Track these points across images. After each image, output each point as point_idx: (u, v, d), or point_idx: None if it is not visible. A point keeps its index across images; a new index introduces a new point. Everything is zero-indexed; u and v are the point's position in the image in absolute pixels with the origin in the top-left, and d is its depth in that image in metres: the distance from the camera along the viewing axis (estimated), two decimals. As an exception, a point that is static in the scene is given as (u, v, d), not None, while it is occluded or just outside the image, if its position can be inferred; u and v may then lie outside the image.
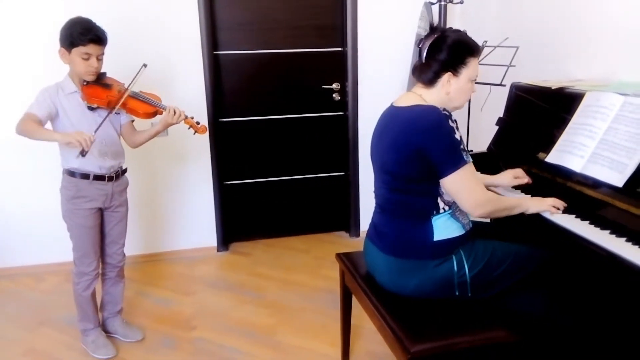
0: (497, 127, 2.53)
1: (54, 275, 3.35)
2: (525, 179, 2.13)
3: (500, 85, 2.71)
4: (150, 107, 2.40)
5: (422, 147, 1.72)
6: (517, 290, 1.88)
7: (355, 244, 3.79)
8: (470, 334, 1.69)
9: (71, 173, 2.36)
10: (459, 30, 1.88)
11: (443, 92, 1.84)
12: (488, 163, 2.36)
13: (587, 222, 1.80)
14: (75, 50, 2.22)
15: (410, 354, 1.62)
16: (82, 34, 2.20)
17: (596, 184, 1.86)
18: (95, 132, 2.20)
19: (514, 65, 2.73)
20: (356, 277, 2.08)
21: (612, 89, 2.01)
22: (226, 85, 3.55)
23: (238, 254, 3.71)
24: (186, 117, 2.43)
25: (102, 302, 2.66)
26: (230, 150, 3.65)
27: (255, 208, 3.82)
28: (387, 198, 1.90)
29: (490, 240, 1.92)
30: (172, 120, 2.39)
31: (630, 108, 1.85)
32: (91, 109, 2.31)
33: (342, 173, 3.88)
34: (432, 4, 3.32)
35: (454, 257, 1.81)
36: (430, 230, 1.80)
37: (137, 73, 2.32)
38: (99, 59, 2.28)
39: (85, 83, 2.29)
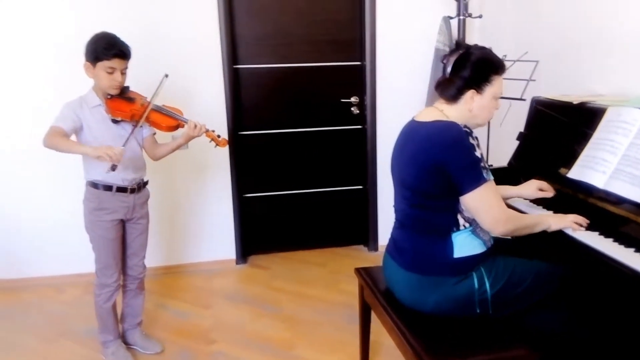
0: (517, 142, 2.52)
1: (74, 286, 3.39)
2: (550, 193, 2.11)
3: (521, 99, 2.70)
4: (172, 120, 2.44)
5: (441, 163, 1.71)
6: (538, 307, 1.86)
7: (373, 258, 3.77)
8: (491, 352, 1.67)
9: (94, 185, 2.40)
10: (484, 48, 1.87)
11: (466, 109, 1.83)
12: (508, 178, 2.34)
13: (611, 239, 1.77)
14: (99, 64, 2.27)
15: (430, 371, 1.61)
16: (107, 49, 2.25)
17: (619, 200, 1.83)
18: (124, 145, 2.24)
19: (534, 80, 2.72)
20: (375, 293, 2.07)
21: (633, 104, 1.99)
22: (245, 99, 3.58)
23: (256, 267, 3.71)
24: (207, 130, 2.47)
25: (122, 314, 2.68)
26: (249, 163, 3.68)
27: (273, 221, 3.84)
28: (406, 213, 1.90)
29: (511, 257, 1.90)
30: (193, 133, 2.42)
31: (653, 124, 1.83)
32: (115, 122, 2.35)
33: (361, 187, 3.88)
34: (451, 18, 3.32)
35: (474, 274, 1.80)
36: (450, 247, 1.79)
37: (159, 84, 2.38)
38: (123, 73, 2.32)
39: (109, 96, 2.34)
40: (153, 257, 3.38)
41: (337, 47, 3.61)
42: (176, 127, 2.46)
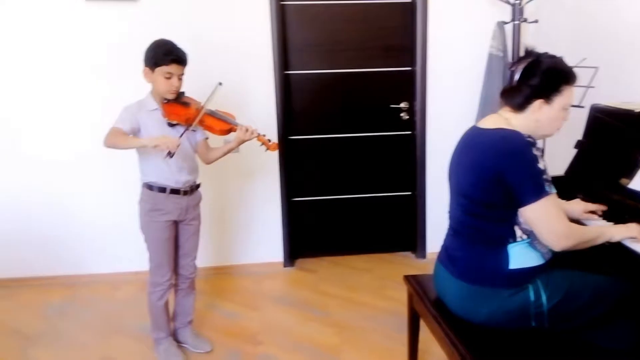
0: (574, 150, 2.44)
1: (130, 284, 3.49)
2: (599, 211, 2.05)
3: (579, 106, 2.62)
4: (225, 124, 2.49)
5: (500, 172, 1.67)
6: (598, 323, 1.78)
7: (421, 266, 3.73)
8: (547, 367, 1.63)
9: (149, 187, 2.47)
10: (554, 56, 1.80)
11: (532, 119, 1.78)
12: (564, 187, 2.27)
13: (676, 253, 1.70)
14: (158, 70, 2.35)
15: (482, 383, 1.58)
16: (165, 55, 2.33)
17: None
18: (180, 137, 2.32)
19: (593, 87, 2.63)
20: (425, 301, 2.05)
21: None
22: (296, 104, 3.62)
23: (304, 271, 3.74)
24: (258, 134, 2.51)
25: (174, 313, 2.74)
26: (298, 168, 3.71)
27: (321, 225, 3.85)
28: (461, 221, 1.87)
29: (569, 270, 1.84)
30: (245, 137, 2.47)
31: None
32: (170, 125, 2.42)
33: (409, 193, 3.85)
34: (505, 23, 3.26)
35: (530, 287, 1.75)
36: (505, 258, 1.75)
37: (213, 91, 2.45)
38: (180, 78, 2.40)
39: (165, 101, 2.42)
40: (204, 258, 3.44)
41: (387, 53, 3.60)
42: (229, 131, 2.51)
